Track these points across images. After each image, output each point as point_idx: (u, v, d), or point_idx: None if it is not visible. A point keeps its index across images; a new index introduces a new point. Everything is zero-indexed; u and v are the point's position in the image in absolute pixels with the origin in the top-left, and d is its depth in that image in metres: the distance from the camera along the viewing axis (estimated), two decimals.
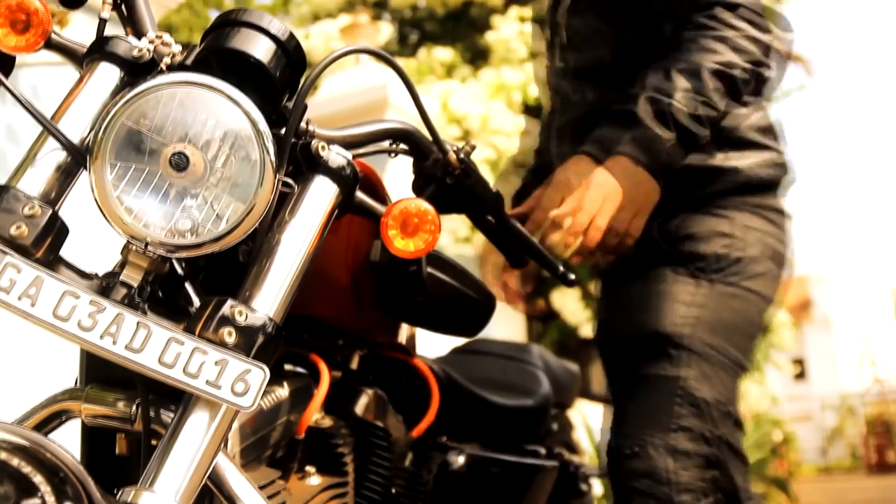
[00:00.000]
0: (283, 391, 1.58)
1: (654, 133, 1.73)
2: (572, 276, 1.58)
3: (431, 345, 2.20)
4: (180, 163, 1.19)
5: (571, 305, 8.93)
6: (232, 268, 1.33)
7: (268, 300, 1.24)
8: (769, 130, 1.97)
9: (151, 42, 1.34)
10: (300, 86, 1.33)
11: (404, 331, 1.90)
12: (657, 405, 1.78)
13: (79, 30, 1.77)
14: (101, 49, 1.34)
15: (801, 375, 32.77)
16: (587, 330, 9.08)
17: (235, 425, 1.35)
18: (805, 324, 29.73)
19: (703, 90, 1.75)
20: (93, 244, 1.84)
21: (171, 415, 1.22)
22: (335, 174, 1.34)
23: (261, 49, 1.30)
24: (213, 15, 15.13)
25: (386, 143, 1.47)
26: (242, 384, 1.16)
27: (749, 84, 1.82)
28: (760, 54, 1.81)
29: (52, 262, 1.21)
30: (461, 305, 1.67)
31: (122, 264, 1.23)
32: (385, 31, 9.53)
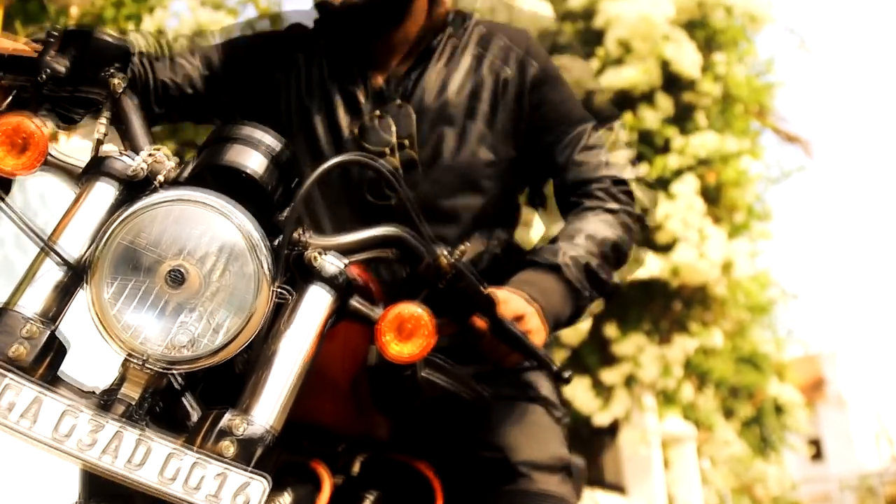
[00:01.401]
0: (284, 500, 1.57)
1: (576, 289, 1.87)
2: (567, 374, 1.60)
3: None
4: (177, 278, 1.22)
5: (582, 395, 8.89)
6: (230, 377, 1.34)
7: (266, 410, 1.25)
8: None
9: (146, 160, 1.37)
10: (294, 196, 1.36)
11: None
12: None
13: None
14: (97, 167, 1.37)
15: (817, 456, 32.34)
16: (600, 418, 9.02)
17: None
18: (819, 403, 29.44)
19: (602, 260, 1.92)
20: (92, 358, 1.85)
21: None
22: (330, 282, 1.35)
23: (254, 163, 1.33)
24: None
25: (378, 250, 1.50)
26: (243, 497, 1.17)
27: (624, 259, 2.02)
28: (638, 228, 2.03)
29: (52, 380, 1.22)
30: (457, 408, 1.67)
31: (121, 379, 1.25)
32: None
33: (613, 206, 2.01)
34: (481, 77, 2.01)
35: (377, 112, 1.97)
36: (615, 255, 1.96)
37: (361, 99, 1.99)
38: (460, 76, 2.01)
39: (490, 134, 2.00)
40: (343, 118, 1.99)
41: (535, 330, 1.76)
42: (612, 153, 2.06)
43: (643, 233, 2.09)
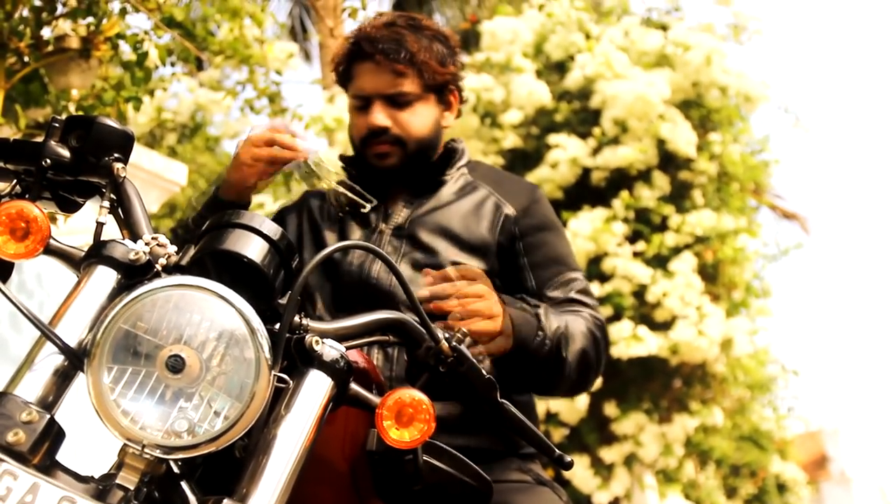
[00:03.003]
0: None
1: (544, 336, 2.00)
2: (568, 459, 1.59)
3: None
4: (176, 365, 1.22)
5: (581, 473, 8.80)
6: (228, 463, 1.33)
7: (265, 497, 1.24)
8: None
9: (147, 244, 1.38)
10: (293, 281, 1.37)
11: None
12: None
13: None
14: (98, 253, 1.38)
15: None
16: (599, 498, 8.92)
17: None
18: (822, 480, 29.14)
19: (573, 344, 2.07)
20: (90, 443, 1.84)
21: None
22: (329, 368, 1.36)
23: (253, 249, 1.34)
24: None
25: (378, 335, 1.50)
26: None
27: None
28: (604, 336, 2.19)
29: (50, 466, 1.21)
30: (459, 493, 1.66)
31: (119, 466, 1.24)
32: None
33: (582, 311, 2.17)
34: (486, 208, 2.23)
35: (386, 226, 2.21)
36: (583, 357, 2.08)
37: (372, 217, 2.23)
38: (468, 204, 2.24)
39: (482, 251, 2.18)
40: (353, 233, 2.21)
41: (499, 336, 1.89)
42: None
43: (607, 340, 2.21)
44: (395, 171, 2.24)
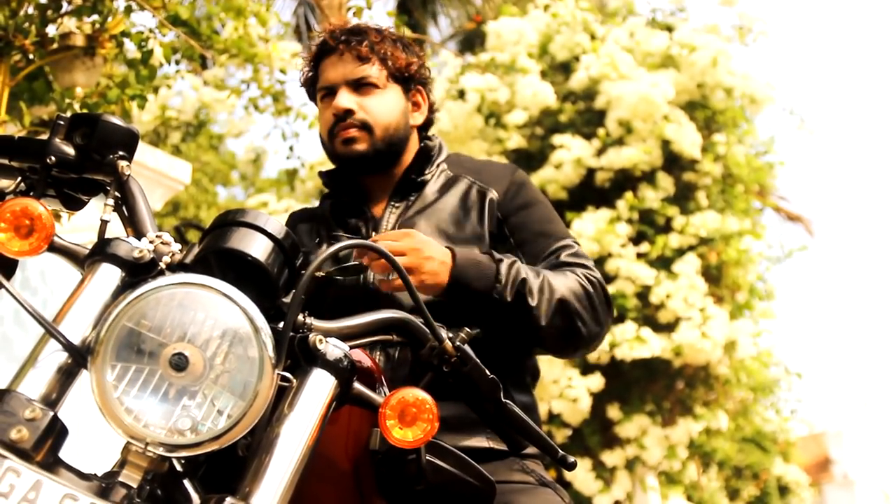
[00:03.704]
0: None
1: (498, 279, 2.01)
2: (571, 460, 1.59)
3: None
4: (180, 363, 1.21)
5: (583, 476, 8.80)
6: (231, 462, 1.33)
7: (267, 497, 1.24)
8: None
9: (151, 242, 1.38)
10: (297, 280, 1.36)
11: None
12: None
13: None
14: (102, 251, 1.38)
15: None
16: (601, 501, 8.91)
17: None
18: (825, 483, 29.11)
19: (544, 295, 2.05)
20: (93, 441, 1.84)
21: None
22: (333, 367, 1.36)
23: (258, 248, 1.34)
24: (219, 190, 15.43)
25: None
26: None
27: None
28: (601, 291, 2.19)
29: (53, 463, 1.21)
30: (462, 493, 1.66)
31: (122, 464, 1.24)
32: None
33: (577, 270, 2.18)
34: (471, 198, 2.24)
35: (377, 235, 2.16)
36: (563, 307, 2.06)
37: (362, 227, 2.23)
38: (453, 199, 2.24)
39: (475, 242, 2.18)
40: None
41: (431, 269, 1.96)
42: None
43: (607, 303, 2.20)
44: (366, 159, 2.21)
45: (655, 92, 9.20)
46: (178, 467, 1.31)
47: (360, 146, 2.20)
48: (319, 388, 1.34)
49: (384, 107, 2.23)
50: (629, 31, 10.49)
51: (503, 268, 2.02)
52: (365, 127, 2.20)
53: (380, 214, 2.24)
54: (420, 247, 1.96)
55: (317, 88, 2.29)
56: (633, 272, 8.88)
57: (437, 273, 1.97)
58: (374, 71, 2.23)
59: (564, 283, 2.09)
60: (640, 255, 9.16)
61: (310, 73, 2.31)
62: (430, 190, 2.27)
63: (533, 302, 2.02)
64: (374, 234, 2.20)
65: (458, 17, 17.64)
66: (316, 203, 2.55)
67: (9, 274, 1.40)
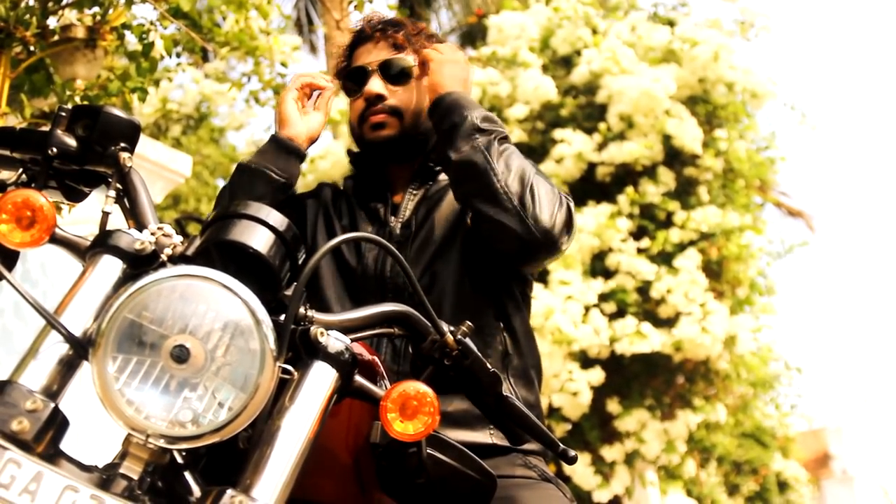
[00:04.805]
0: None
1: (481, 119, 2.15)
2: (572, 454, 1.59)
3: None
4: (181, 355, 1.21)
5: (582, 470, 8.80)
6: (232, 454, 1.33)
7: (268, 488, 1.24)
8: None
9: (153, 234, 1.38)
10: (299, 273, 1.36)
11: None
12: None
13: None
14: (103, 243, 1.37)
15: None
16: (599, 495, 8.92)
17: None
18: (824, 479, 29.11)
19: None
20: (94, 432, 1.84)
21: None
22: (334, 359, 1.35)
23: (259, 240, 1.33)
24: (220, 184, 15.42)
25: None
26: None
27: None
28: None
29: (53, 455, 1.21)
30: (462, 487, 1.67)
31: (123, 455, 1.24)
32: None
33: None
34: None
35: (395, 220, 2.25)
36: (522, 173, 2.08)
37: (381, 212, 2.27)
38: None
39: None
40: (364, 227, 2.26)
41: (448, 73, 2.22)
42: None
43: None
44: (393, 143, 2.26)
45: (657, 87, 9.19)
46: (179, 459, 1.31)
47: (389, 131, 2.25)
48: (320, 380, 1.34)
49: (416, 97, 2.28)
50: (631, 25, 10.49)
51: (486, 127, 2.13)
52: (395, 112, 2.26)
53: (399, 201, 2.29)
54: (455, 60, 2.22)
55: (348, 74, 2.34)
56: (634, 267, 8.88)
57: (446, 84, 2.19)
58: (408, 60, 2.28)
59: (532, 167, 2.13)
60: (640, 250, 9.16)
61: (343, 63, 2.34)
62: (445, 177, 2.29)
63: (494, 158, 2.07)
64: (392, 218, 2.25)
65: (459, 11, 17.63)
66: None
67: (10, 265, 1.39)
